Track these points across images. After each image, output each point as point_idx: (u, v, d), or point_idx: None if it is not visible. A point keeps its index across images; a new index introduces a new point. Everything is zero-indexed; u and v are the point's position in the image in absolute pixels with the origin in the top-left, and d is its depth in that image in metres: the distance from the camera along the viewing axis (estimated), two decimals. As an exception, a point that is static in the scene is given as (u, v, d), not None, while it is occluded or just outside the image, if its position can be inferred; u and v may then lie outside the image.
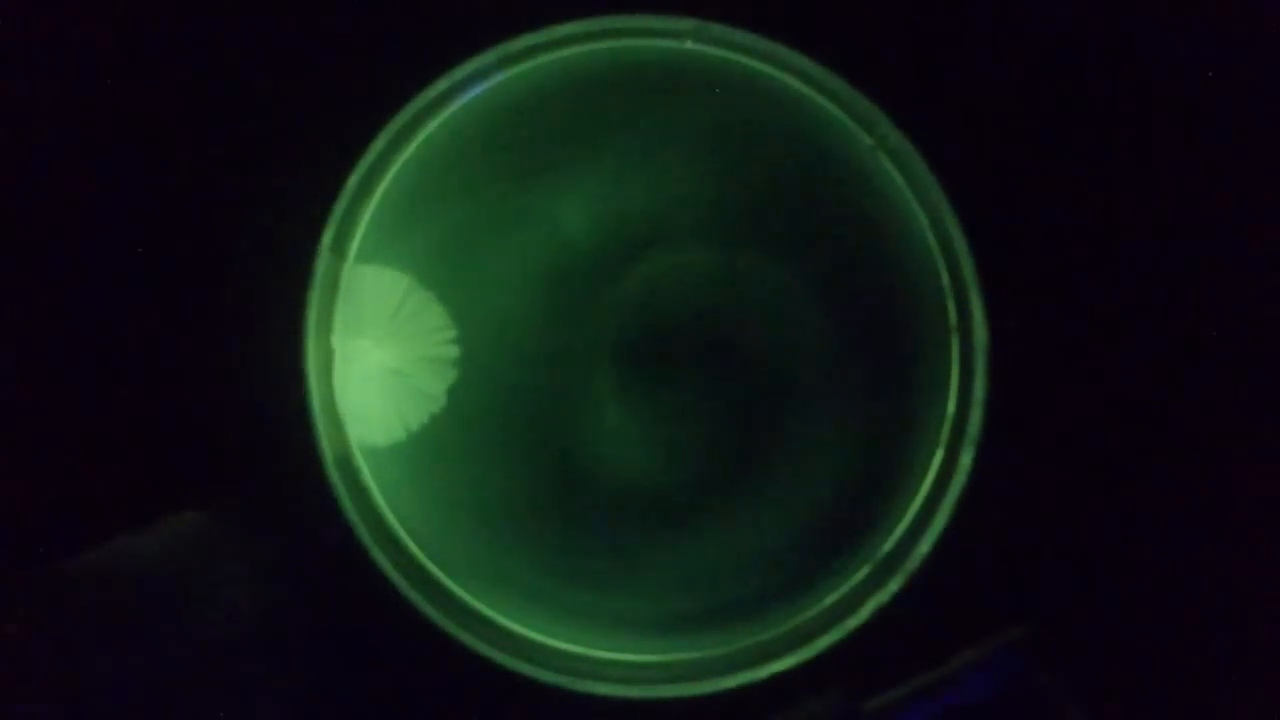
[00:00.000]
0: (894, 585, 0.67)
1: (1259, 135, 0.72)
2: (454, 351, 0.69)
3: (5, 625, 0.67)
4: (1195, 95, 0.73)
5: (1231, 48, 0.72)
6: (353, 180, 0.67)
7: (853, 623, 0.67)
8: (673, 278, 0.70)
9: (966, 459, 0.67)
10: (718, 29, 0.68)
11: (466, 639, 0.67)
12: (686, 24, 0.68)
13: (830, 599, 0.69)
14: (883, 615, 0.67)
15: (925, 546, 0.67)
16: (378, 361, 0.69)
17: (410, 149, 0.69)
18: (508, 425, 0.69)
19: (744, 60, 0.69)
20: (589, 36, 0.69)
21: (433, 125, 0.69)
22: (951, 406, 0.69)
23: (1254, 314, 0.73)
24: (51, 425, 0.73)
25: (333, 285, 0.68)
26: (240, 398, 0.71)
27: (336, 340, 0.69)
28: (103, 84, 0.73)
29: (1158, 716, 0.73)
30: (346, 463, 0.68)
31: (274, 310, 0.69)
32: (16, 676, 0.67)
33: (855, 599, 0.68)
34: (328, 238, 0.67)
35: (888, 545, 0.69)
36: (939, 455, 0.69)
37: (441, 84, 0.67)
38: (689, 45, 0.69)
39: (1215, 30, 0.72)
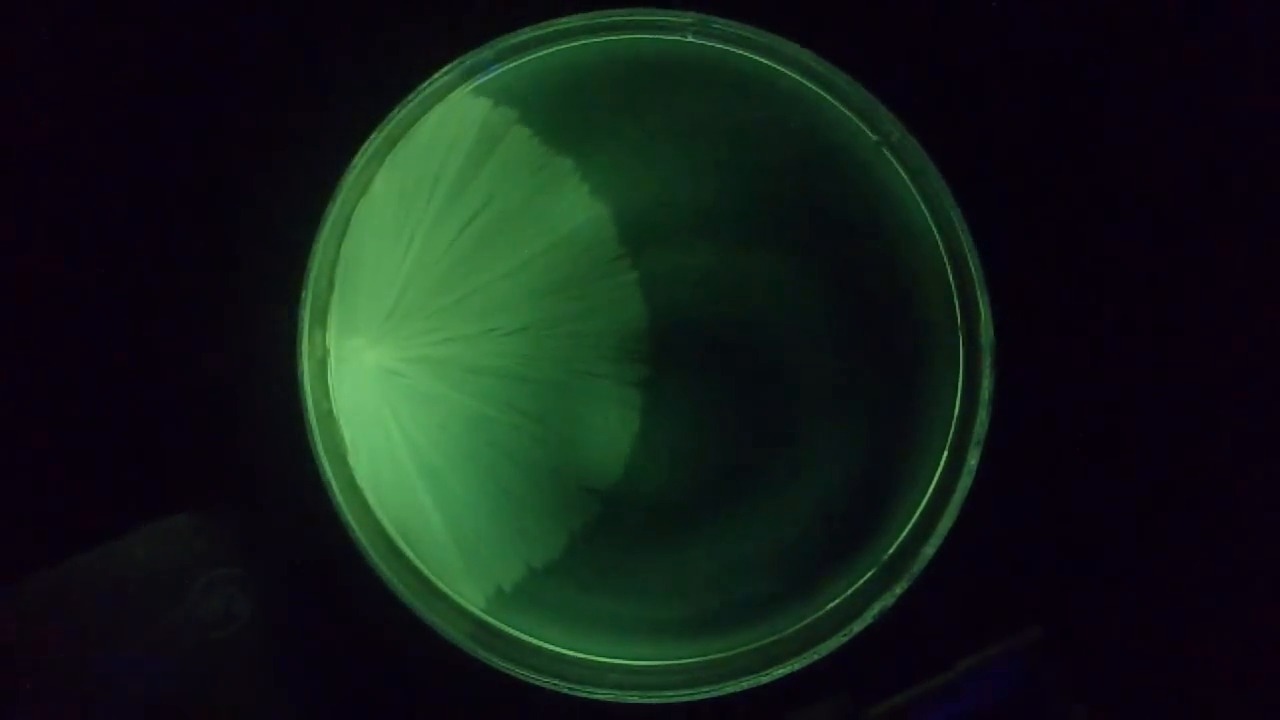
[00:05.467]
0: (899, 588, 0.67)
1: (1263, 135, 0.72)
2: (449, 352, 0.68)
3: (6, 625, 0.68)
4: (1201, 95, 0.72)
5: (1234, 46, 0.72)
6: (347, 178, 0.66)
7: (857, 626, 0.67)
8: (673, 276, 0.69)
9: (972, 460, 0.67)
10: (719, 23, 0.67)
11: (463, 643, 0.67)
12: (687, 18, 0.68)
13: (835, 602, 0.69)
14: (888, 619, 0.66)
15: (931, 549, 0.67)
16: (373, 361, 0.68)
17: (406, 145, 0.68)
18: (505, 427, 0.69)
19: (746, 55, 0.68)
20: (588, 30, 0.68)
21: (429, 120, 0.68)
22: (957, 407, 0.68)
23: (1259, 315, 0.72)
24: (50, 426, 0.72)
25: (327, 284, 0.68)
26: (235, 398, 0.71)
27: (331, 340, 0.68)
28: (100, 82, 0.73)
29: (1164, 719, 0.72)
30: (341, 463, 0.68)
31: (268, 310, 0.69)
32: (17, 676, 0.67)
33: (860, 602, 0.68)
34: (321, 236, 0.66)
35: (893, 548, 0.69)
36: (944, 457, 0.68)
37: (438, 79, 0.67)
38: (690, 39, 0.68)
39: (1218, 29, 0.72)
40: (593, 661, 0.69)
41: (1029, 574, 0.72)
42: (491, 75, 0.68)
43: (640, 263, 0.69)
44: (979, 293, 0.66)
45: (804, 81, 0.68)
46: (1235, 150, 0.72)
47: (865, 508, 0.69)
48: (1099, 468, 0.72)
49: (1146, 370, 0.72)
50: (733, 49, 0.68)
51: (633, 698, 0.67)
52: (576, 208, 0.69)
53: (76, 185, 0.73)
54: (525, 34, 0.67)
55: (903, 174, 0.68)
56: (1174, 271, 0.72)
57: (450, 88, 0.68)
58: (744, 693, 0.67)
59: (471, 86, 0.68)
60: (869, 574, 0.69)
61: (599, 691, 0.67)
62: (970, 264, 0.66)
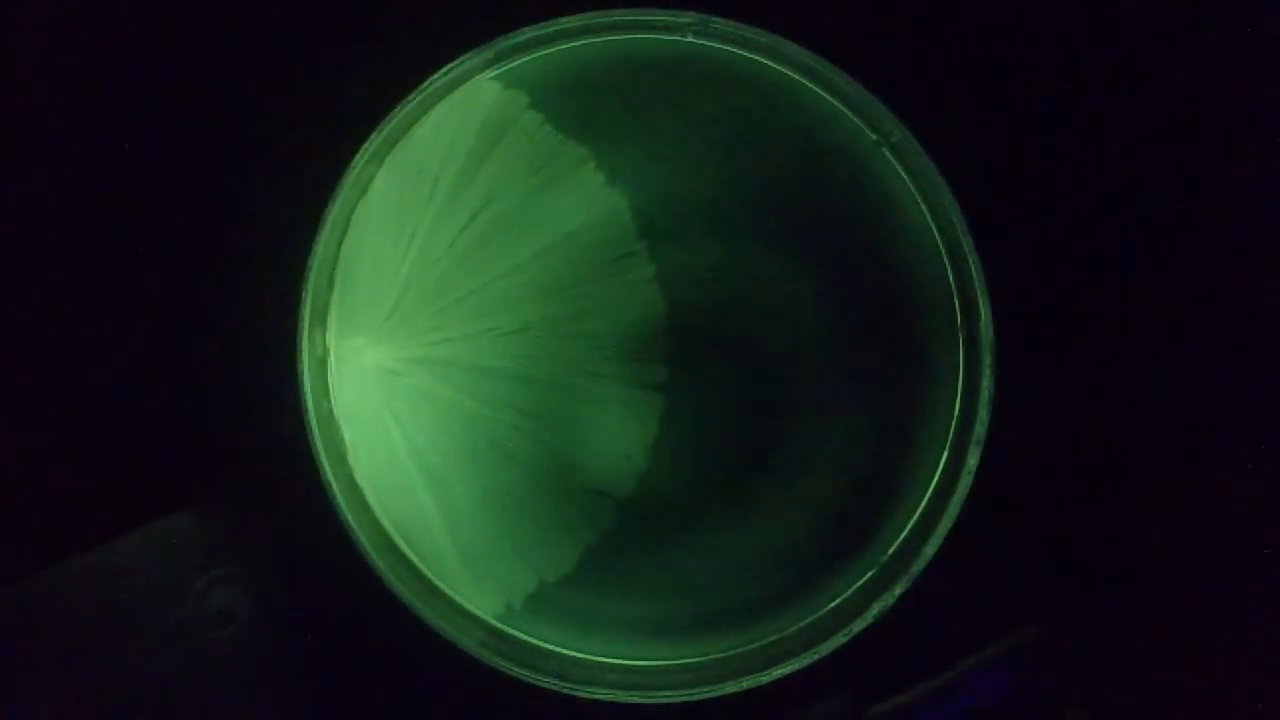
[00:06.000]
0: (899, 588, 0.67)
1: (1264, 135, 0.72)
2: (449, 352, 0.68)
3: (6, 625, 0.68)
4: (1202, 95, 0.72)
5: (1234, 46, 0.72)
6: (347, 178, 0.66)
7: (858, 626, 0.67)
8: (673, 276, 0.69)
9: (972, 460, 0.67)
10: (719, 23, 0.67)
11: (463, 643, 0.67)
12: (688, 18, 0.67)
13: (835, 602, 0.69)
14: (888, 619, 0.66)
15: (931, 549, 0.67)
16: (373, 361, 0.68)
17: (406, 145, 0.68)
18: (505, 427, 0.69)
19: (746, 55, 0.68)
20: (589, 30, 0.68)
21: (429, 121, 0.68)
22: (957, 407, 0.68)
23: (1257, 314, 0.72)
24: (50, 426, 0.72)
25: (327, 284, 0.68)
26: (235, 399, 0.71)
27: (331, 340, 0.68)
28: (100, 82, 0.73)
29: (1164, 719, 0.72)
30: (341, 463, 0.68)
31: (268, 311, 0.69)
32: (17, 676, 0.67)
33: (860, 602, 0.68)
34: (321, 236, 0.66)
35: (893, 548, 0.69)
36: (944, 457, 0.68)
37: (437, 79, 0.67)
38: (690, 39, 0.68)
39: (1219, 29, 0.72)
40: (593, 661, 0.69)
41: (1029, 574, 0.71)
42: (492, 75, 0.68)
43: (640, 263, 0.69)
44: (979, 293, 0.66)
45: (804, 81, 0.68)
46: (1236, 150, 0.72)
47: (865, 508, 0.69)
48: (1098, 468, 0.72)
49: (1146, 370, 0.72)
50: (733, 49, 0.68)
51: (633, 698, 0.67)
52: (577, 207, 0.69)
53: (76, 186, 0.72)
54: (525, 34, 0.67)
55: (903, 174, 0.68)
56: (1174, 272, 0.72)
57: (450, 88, 0.68)
58: (744, 693, 0.67)
59: (472, 86, 0.68)
60: (869, 574, 0.69)
61: (599, 691, 0.67)
62: (970, 264, 0.66)
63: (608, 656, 0.69)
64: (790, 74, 0.68)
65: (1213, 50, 0.72)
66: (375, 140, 0.66)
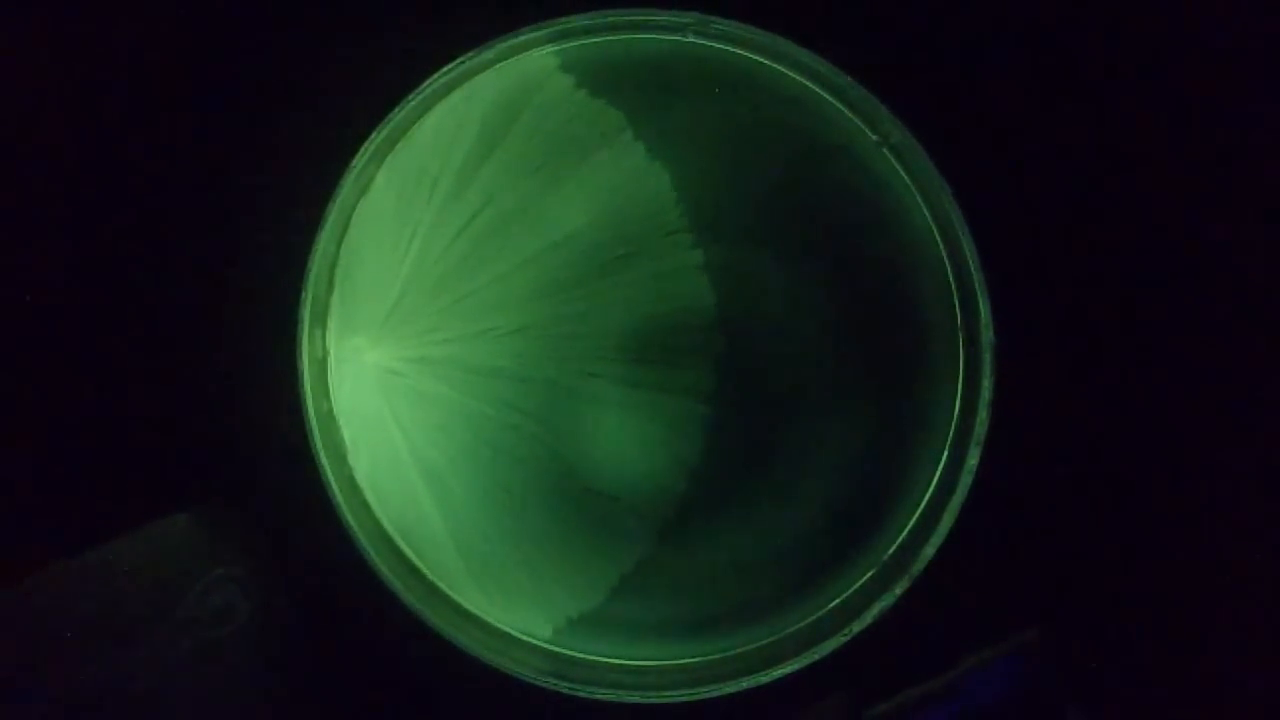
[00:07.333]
0: (899, 589, 0.67)
1: (1264, 135, 0.72)
2: (449, 352, 0.68)
3: (6, 625, 0.68)
4: (1201, 94, 0.72)
5: (1234, 46, 0.72)
6: (347, 178, 0.66)
7: (858, 626, 0.67)
8: (672, 276, 0.69)
9: (972, 460, 0.67)
10: (719, 23, 0.67)
11: (464, 642, 0.67)
12: (688, 18, 0.68)
13: (835, 602, 0.69)
14: (888, 619, 0.66)
15: (931, 549, 0.67)
16: (373, 361, 0.68)
17: (406, 145, 0.68)
18: (505, 427, 0.69)
19: (746, 55, 0.68)
20: (588, 30, 0.68)
21: (429, 120, 0.68)
22: (957, 407, 0.68)
23: (1257, 314, 0.72)
24: (50, 426, 0.72)
25: (327, 284, 0.68)
26: (235, 399, 0.71)
27: (331, 340, 0.68)
28: (100, 81, 0.73)
29: (1163, 719, 0.72)
30: (341, 463, 0.68)
31: (268, 311, 0.69)
32: (17, 676, 0.67)
33: (860, 602, 0.68)
34: (321, 236, 0.66)
35: (893, 548, 0.69)
36: (944, 457, 0.68)
37: (438, 79, 0.67)
38: (690, 39, 0.68)
39: (1219, 29, 0.72)
40: (593, 661, 0.69)
41: (1029, 574, 0.71)
42: (492, 75, 0.68)
43: (640, 263, 0.69)
44: (979, 293, 0.66)
45: (804, 82, 0.68)
46: (1236, 150, 0.72)
47: (865, 508, 0.69)
48: (1098, 468, 0.72)
49: (1146, 370, 0.72)
50: (733, 49, 0.68)
51: (633, 698, 0.67)
52: (577, 208, 0.69)
53: (77, 185, 0.72)
54: (525, 34, 0.67)
55: (903, 174, 0.68)
56: (1174, 271, 0.72)
57: (450, 88, 0.68)
58: (745, 692, 0.67)
59: (472, 86, 0.68)
60: (869, 574, 0.69)
61: (599, 691, 0.67)
62: (970, 264, 0.66)
63: (608, 656, 0.69)
64: (790, 74, 0.68)
65: (1213, 50, 0.72)
66: (375, 140, 0.66)
